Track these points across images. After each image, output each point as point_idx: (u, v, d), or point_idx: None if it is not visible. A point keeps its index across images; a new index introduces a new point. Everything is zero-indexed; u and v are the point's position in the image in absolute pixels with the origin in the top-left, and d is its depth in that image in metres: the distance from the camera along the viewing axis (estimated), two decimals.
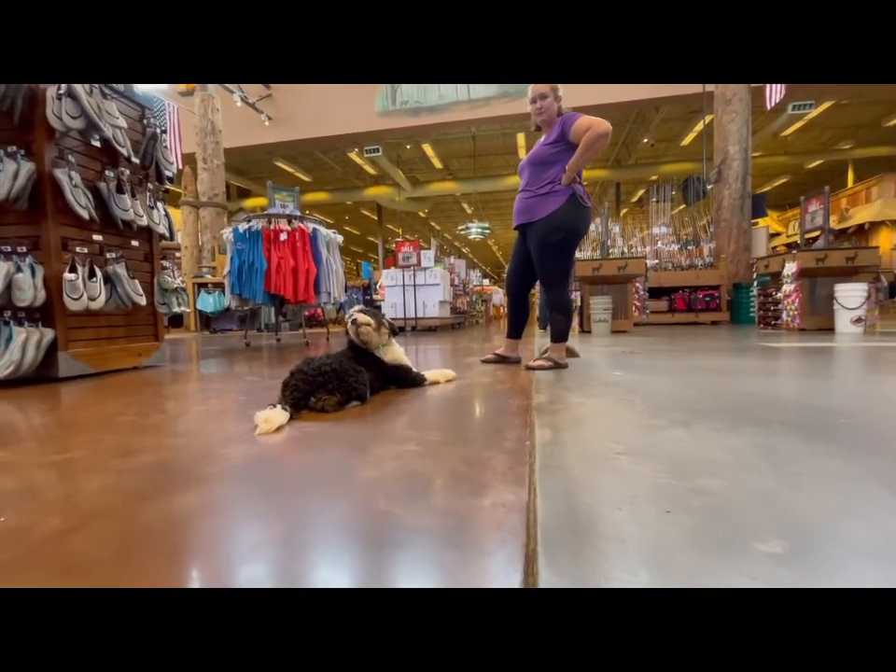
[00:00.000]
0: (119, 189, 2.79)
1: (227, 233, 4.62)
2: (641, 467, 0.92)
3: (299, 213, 4.90)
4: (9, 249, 2.36)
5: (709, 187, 8.67)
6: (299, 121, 11.56)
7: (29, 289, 2.31)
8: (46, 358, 2.38)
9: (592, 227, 8.14)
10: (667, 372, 2.24)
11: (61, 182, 2.41)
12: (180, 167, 9.24)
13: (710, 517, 0.70)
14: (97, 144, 2.71)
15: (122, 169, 2.84)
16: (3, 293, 2.25)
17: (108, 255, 2.75)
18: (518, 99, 9.74)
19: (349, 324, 1.80)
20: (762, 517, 0.70)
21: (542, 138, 2.47)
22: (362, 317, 1.79)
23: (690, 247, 9.01)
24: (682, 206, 10.21)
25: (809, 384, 1.95)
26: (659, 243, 9.40)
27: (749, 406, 1.47)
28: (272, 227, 4.48)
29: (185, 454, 1.11)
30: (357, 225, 23.47)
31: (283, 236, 4.45)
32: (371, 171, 16.38)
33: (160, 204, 3.13)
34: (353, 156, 14.98)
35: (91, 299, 2.53)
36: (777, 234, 15.91)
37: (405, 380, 1.91)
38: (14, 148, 2.35)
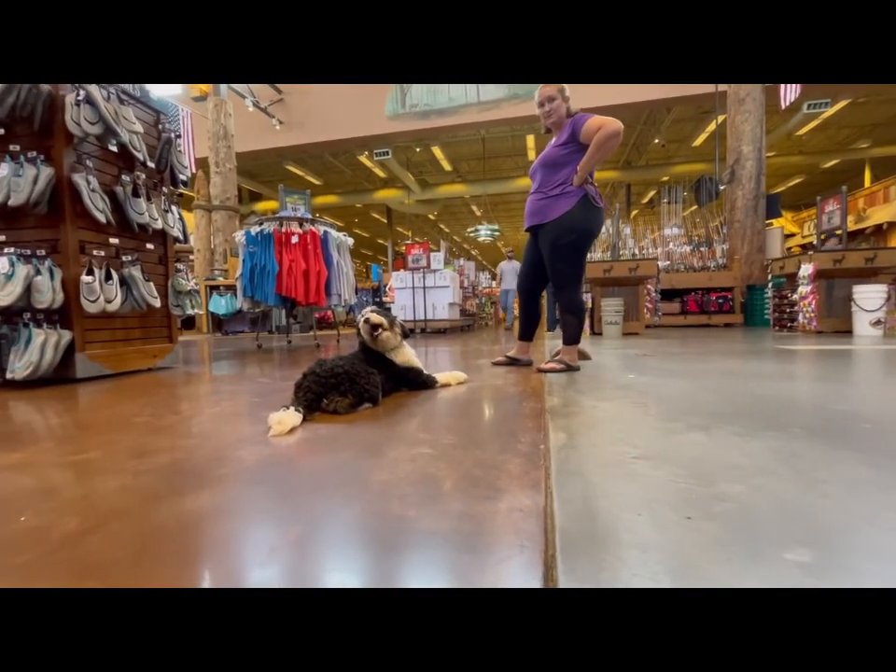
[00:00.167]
0: (135, 193, 2.83)
1: (239, 236, 4.67)
2: (660, 472, 0.90)
3: (310, 216, 4.94)
4: (29, 253, 2.41)
5: (722, 187, 8.56)
6: (309, 125, 11.67)
7: (48, 292, 2.35)
8: (63, 360, 2.42)
9: (602, 228, 8.08)
10: (682, 375, 2.21)
11: (79, 186, 2.46)
12: (193, 171, 9.37)
13: (733, 524, 0.68)
14: (114, 149, 2.76)
15: (138, 173, 2.89)
16: (22, 295, 2.30)
17: (124, 258, 2.80)
18: (527, 101, 9.71)
19: (362, 324, 1.79)
20: (786, 524, 0.68)
21: (553, 140, 2.45)
22: (376, 317, 1.78)
23: (702, 249, 8.90)
24: (694, 207, 10.10)
25: (829, 387, 1.90)
26: (671, 244, 9.30)
27: (768, 410, 1.44)
28: (283, 230, 4.52)
29: (199, 455, 1.12)
30: (366, 228, 23.60)
31: (294, 239, 4.48)
32: (380, 174, 16.46)
33: (174, 208, 3.17)
34: (363, 159, 15.08)
35: (108, 301, 2.57)
36: (792, 235, 15.64)
37: (416, 382, 1.91)
38: (34, 154, 2.40)
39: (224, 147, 9.40)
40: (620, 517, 0.71)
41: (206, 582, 0.59)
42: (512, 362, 2.71)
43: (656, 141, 14.06)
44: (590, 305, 5.86)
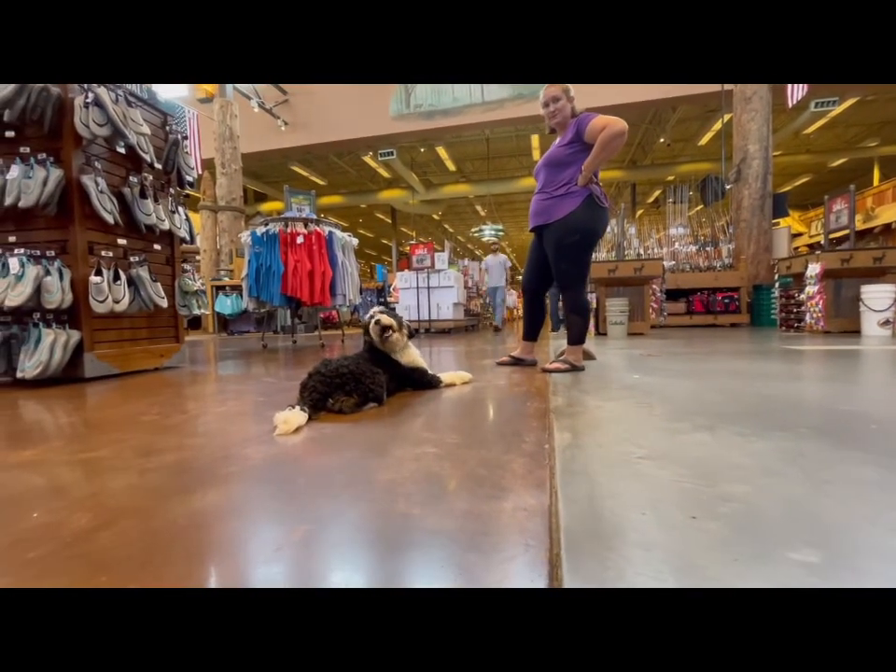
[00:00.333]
0: (143, 195, 2.86)
1: (245, 237, 4.70)
2: (665, 472, 0.90)
3: (315, 216, 4.96)
4: (39, 253, 2.44)
5: (728, 186, 8.51)
6: (314, 126, 11.72)
7: (57, 292, 2.38)
8: (72, 359, 2.45)
9: (608, 228, 8.05)
10: (687, 375, 2.20)
11: (87, 188, 2.49)
12: (200, 172, 9.44)
13: (738, 524, 0.68)
14: (122, 150, 2.79)
15: (146, 174, 2.92)
16: (32, 296, 2.33)
17: (132, 258, 2.83)
18: (532, 100, 9.70)
19: (371, 325, 1.80)
20: (792, 525, 0.68)
21: (558, 140, 2.45)
22: (386, 319, 1.79)
23: (708, 248, 8.85)
24: (700, 207, 10.04)
25: (836, 388, 1.89)
26: (676, 244, 9.25)
27: (774, 410, 1.44)
28: (288, 230, 4.54)
29: (205, 453, 1.13)
30: (371, 228, 23.66)
31: (299, 239, 4.50)
32: (385, 174, 16.50)
33: (180, 209, 3.20)
34: (367, 159, 15.12)
35: (116, 301, 2.60)
36: (800, 234, 15.51)
37: (421, 382, 1.91)
38: (44, 156, 2.43)
39: (230, 148, 9.46)
40: (625, 517, 0.71)
41: (214, 580, 0.60)
42: (517, 362, 2.71)
43: (661, 140, 14.00)
44: (595, 305, 5.84)
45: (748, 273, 8.04)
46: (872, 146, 14.25)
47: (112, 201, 2.62)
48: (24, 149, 2.43)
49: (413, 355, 1.91)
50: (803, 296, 5.60)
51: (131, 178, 2.81)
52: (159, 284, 2.95)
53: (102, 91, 2.53)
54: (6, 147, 2.46)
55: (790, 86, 8.01)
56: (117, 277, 2.67)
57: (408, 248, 7.70)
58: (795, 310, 5.89)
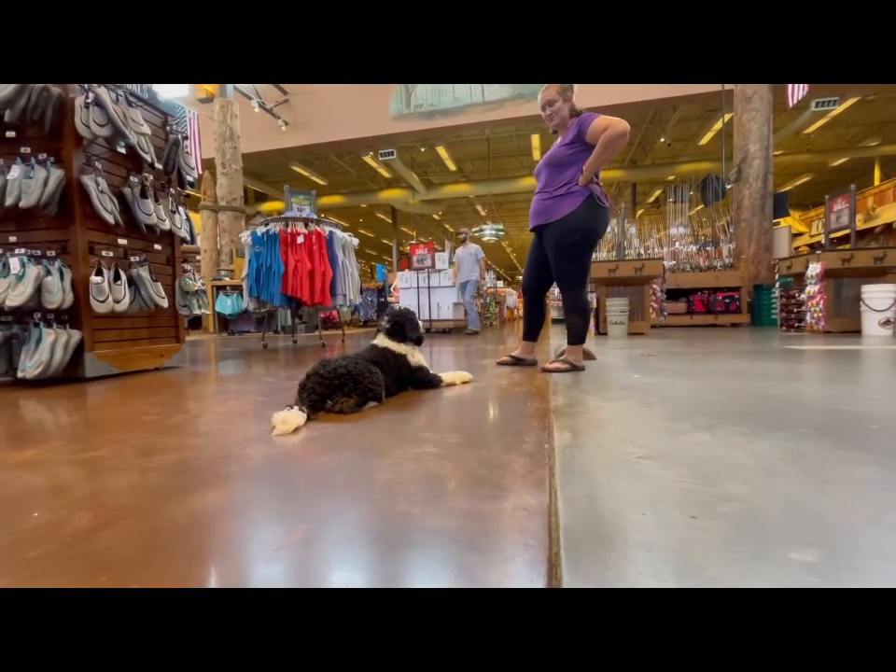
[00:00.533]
0: (143, 195, 2.86)
1: (245, 237, 4.70)
2: (665, 471, 0.90)
3: (315, 216, 4.96)
4: (40, 253, 2.44)
5: (728, 186, 8.50)
6: (314, 126, 11.72)
7: (58, 292, 2.38)
8: (73, 359, 2.45)
9: (608, 228, 8.04)
10: (688, 375, 2.20)
11: (88, 188, 2.49)
12: (200, 172, 9.45)
13: (738, 524, 0.68)
14: (122, 150, 2.79)
15: (146, 175, 2.92)
16: (33, 296, 2.33)
17: (132, 258, 2.83)
18: (532, 100, 9.70)
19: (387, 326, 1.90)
20: (792, 524, 0.68)
21: (559, 139, 2.45)
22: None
23: (708, 248, 8.84)
24: (700, 206, 10.03)
25: (837, 388, 1.89)
26: (677, 244, 9.24)
27: (774, 410, 1.44)
28: (289, 230, 4.54)
29: (206, 453, 1.13)
30: (371, 228, 23.66)
31: (300, 239, 4.50)
32: (385, 174, 16.50)
33: (181, 209, 3.20)
34: (367, 159, 15.12)
35: (116, 301, 2.60)
36: (800, 234, 15.50)
37: (423, 381, 1.92)
38: (44, 156, 2.43)
39: (230, 148, 9.47)
40: (625, 516, 0.71)
41: (214, 580, 0.60)
42: (517, 362, 2.71)
43: (662, 140, 13.99)
44: (595, 305, 5.84)
45: (748, 272, 8.04)
46: (872, 145, 14.24)
47: (113, 201, 2.62)
48: (25, 149, 2.44)
49: (419, 355, 1.94)
50: (803, 296, 5.60)
51: (131, 178, 2.81)
52: (159, 284, 2.95)
53: (102, 91, 2.53)
54: (6, 148, 2.46)
55: (790, 86, 8.00)
56: (117, 277, 2.67)
57: (408, 248, 7.68)
58: (796, 310, 5.89)
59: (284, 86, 11.28)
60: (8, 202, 2.35)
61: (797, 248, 12.98)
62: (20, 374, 2.35)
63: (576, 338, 2.44)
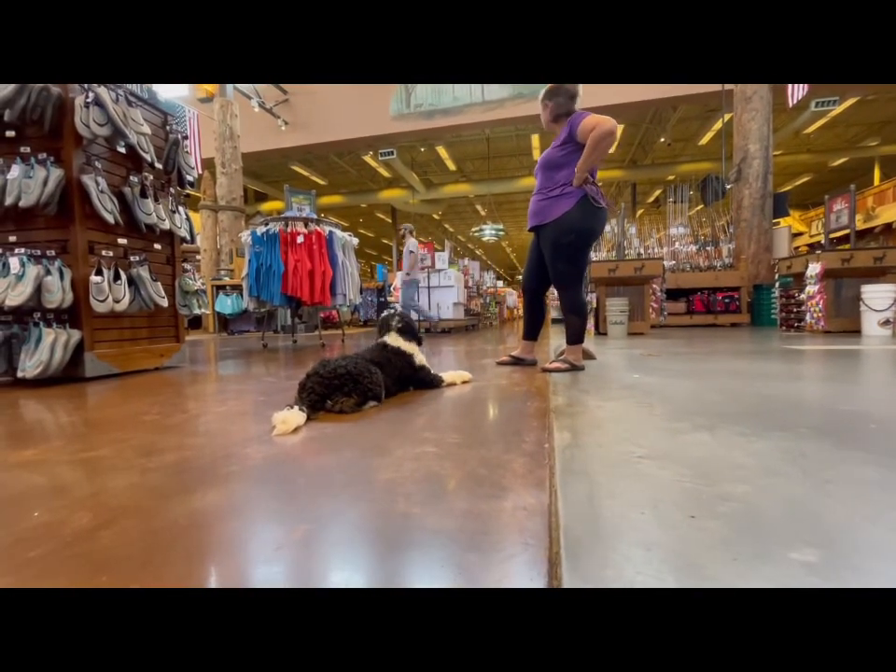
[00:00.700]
0: (143, 194, 2.86)
1: (245, 236, 4.70)
2: (665, 471, 0.90)
3: (315, 216, 4.96)
4: (39, 253, 2.44)
5: (728, 186, 8.50)
6: (314, 125, 11.71)
7: (57, 292, 2.38)
8: (73, 359, 2.45)
9: (607, 228, 8.04)
10: (688, 375, 2.20)
11: (88, 188, 2.49)
12: (200, 172, 9.44)
13: (738, 523, 0.68)
14: (122, 150, 2.79)
15: (146, 174, 2.92)
16: (33, 295, 2.33)
17: (132, 258, 2.83)
18: (532, 100, 9.69)
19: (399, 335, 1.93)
20: (792, 524, 0.68)
21: (554, 140, 2.46)
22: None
23: (708, 248, 8.84)
24: (700, 206, 10.04)
25: (837, 388, 1.89)
26: (677, 244, 9.24)
27: (774, 410, 1.44)
28: (289, 230, 4.54)
29: (206, 453, 1.13)
30: (371, 227, 23.66)
31: (300, 239, 4.50)
32: (385, 174, 16.49)
33: (181, 208, 3.20)
34: (367, 159, 15.11)
35: (116, 301, 2.60)
36: (800, 234, 15.50)
37: (425, 381, 1.93)
38: (44, 155, 2.43)
39: (230, 148, 9.46)
40: (624, 516, 0.71)
41: (214, 580, 0.60)
42: (517, 362, 2.71)
43: (662, 140, 13.98)
44: (595, 305, 5.84)
45: (748, 272, 8.04)
46: (872, 145, 14.24)
47: (112, 200, 2.62)
48: (25, 149, 2.43)
49: (421, 354, 1.95)
50: (803, 296, 5.60)
51: (131, 178, 2.81)
52: (159, 283, 2.95)
53: (102, 90, 2.53)
54: (6, 147, 2.46)
55: (790, 86, 7.99)
56: (117, 277, 2.67)
57: None
58: (795, 310, 5.89)
59: (284, 86, 11.28)
60: (8, 201, 2.35)
61: (797, 248, 12.98)
62: (19, 374, 2.35)
63: (575, 338, 2.45)
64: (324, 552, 0.65)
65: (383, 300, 10.51)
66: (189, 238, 3.28)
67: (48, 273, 2.39)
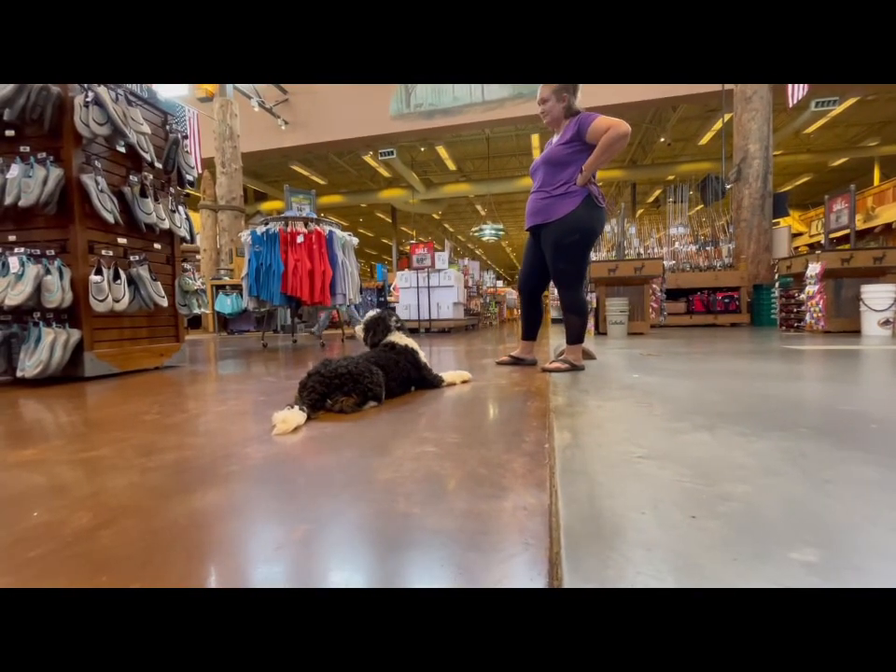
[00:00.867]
0: (143, 194, 2.86)
1: (245, 236, 4.70)
2: (665, 471, 0.90)
3: (315, 215, 4.96)
4: (39, 252, 2.44)
5: (728, 186, 8.50)
6: (314, 125, 11.71)
7: (57, 291, 2.38)
8: (72, 358, 2.45)
9: (607, 228, 8.05)
10: (687, 375, 2.20)
11: (87, 187, 2.48)
12: (200, 171, 9.44)
13: (738, 523, 0.68)
14: (122, 149, 2.79)
15: (146, 174, 2.92)
16: (32, 295, 2.33)
17: (132, 257, 2.83)
18: (532, 100, 9.67)
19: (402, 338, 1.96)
20: (792, 524, 0.68)
21: (556, 138, 2.44)
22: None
23: (708, 248, 8.84)
24: (700, 206, 10.04)
25: (837, 388, 1.89)
26: (676, 243, 9.25)
27: (774, 410, 1.44)
28: (288, 229, 4.54)
29: (206, 453, 1.13)
30: (371, 227, 23.65)
31: (300, 239, 4.50)
32: (385, 173, 16.49)
33: (181, 208, 3.20)
34: (367, 159, 15.11)
35: (116, 300, 2.60)
36: (800, 234, 15.51)
37: (426, 380, 1.94)
38: (44, 155, 2.43)
39: (230, 148, 9.46)
40: (625, 516, 0.71)
41: (214, 580, 0.60)
42: (517, 362, 2.71)
43: (662, 140, 13.99)
44: (595, 305, 5.84)
45: (748, 272, 8.04)
46: (872, 145, 14.24)
47: (112, 200, 2.62)
48: (24, 148, 2.43)
49: (421, 354, 1.96)
50: (803, 296, 5.60)
51: (131, 177, 2.81)
52: (159, 283, 2.95)
53: (102, 90, 2.53)
54: (6, 147, 2.46)
55: (790, 86, 8.00)
56: (117, 276, 2.67)
57: (408, 248, 7.68)
58: (795, 310, 5.90)
59: (284, 86, 11.27)
60: (8, 201, 2.35)
61: (797, 248, 12.99)
62: (19, 374, 2.35)
63: (575, 337, 2.45)
64: (324, 551, 0.65)
65: (383, 299, 10.50)
66: (188, 238, 3.28)
67: (47, 272, 2.38)
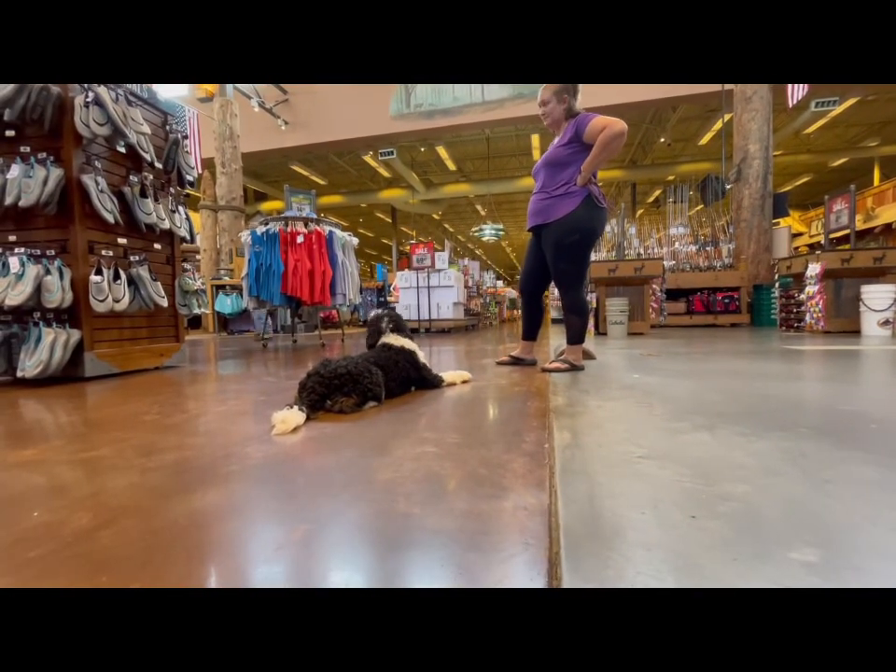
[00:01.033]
0: (143, 194, 2.86)
1: (245, 236, 4.70)
2: (665, 471, 0.90)
3: (315, 215, 4.96)
4: (39, 253, 2.44)
5: (728, 186, 8.50)
6: (314, 125, 11.71)
7: (57, 291, 2.38)
8: (72, 358, 2.45)
9: (607, 228, 8.05)
10: (687, 375, 2.20)
11: (87, 187, 2.49)
12: (200, 171, 9.44)
13: (738, 523, 0.68)
14: (122, 150, 2.79)
15: (146, 174, 2.92)
16: (33, 295, 2.33)
17: (132, 258, 2.83)
18: (532, 100, 9.66)
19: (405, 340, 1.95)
20: (792, 524, 0.68)
21: (556, 140, 2.45)
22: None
23: (708, 248, 8.84)
24: (700, 206, 10.04)
25: (837, 388, 1.89)
26: (676, 244, 9.24)
27: (774, 410, 1.44)
28: (289, 229, 4.54)
29: (206, 453, 1.13)
30: (371, 227, 23.65)
31: (299, 239, 4.50)
32: (385, 173, 16.49)
33: (181, 208, 3.20)
34: (367, 159, 15.11)
35: (116, 300, 2.60)
36: (800, 234, 15.51)
37: (426, 380, 1.93)
38: (44, 155, 2.43)
39: (230, 148, 9.46)
40: (624, 516, 0.71)
41: (214, 580, 0.60)
42: (517, 362, 2.71)
43: (662, 140, 13.99)
44: (595, 305, 5.84)
45: (748, 272, 8.04)
46: (872, 145, 14.24)
47: (112, 200, 2.62)
48: (25, 149, 2.43)
49: (421, 354, 1.96)
50: (803, 296, 5.60)
51: (131, 177, 2.81)
52: (159, 283, 2.95)
53: (102, 90, 2.53)
54: (6, 147, 2.46)
55: (790, 86, 8.00)
56: (117, 276, 2.67)
57: (408, 248, 7.69)
58: (795, 310, 5.90)
59: (284, 86, 11.27)
60: (8, 201, 2.35)
61: (797, 248, 12.99)
62: (19, 374, 2.35)
63: (575, 338, 2.45)
64: (324, 551, 0.65)
65: (383, 299, 10.51)
66: (188, 238, 3.28)
67: (47, 272, 2.38)
